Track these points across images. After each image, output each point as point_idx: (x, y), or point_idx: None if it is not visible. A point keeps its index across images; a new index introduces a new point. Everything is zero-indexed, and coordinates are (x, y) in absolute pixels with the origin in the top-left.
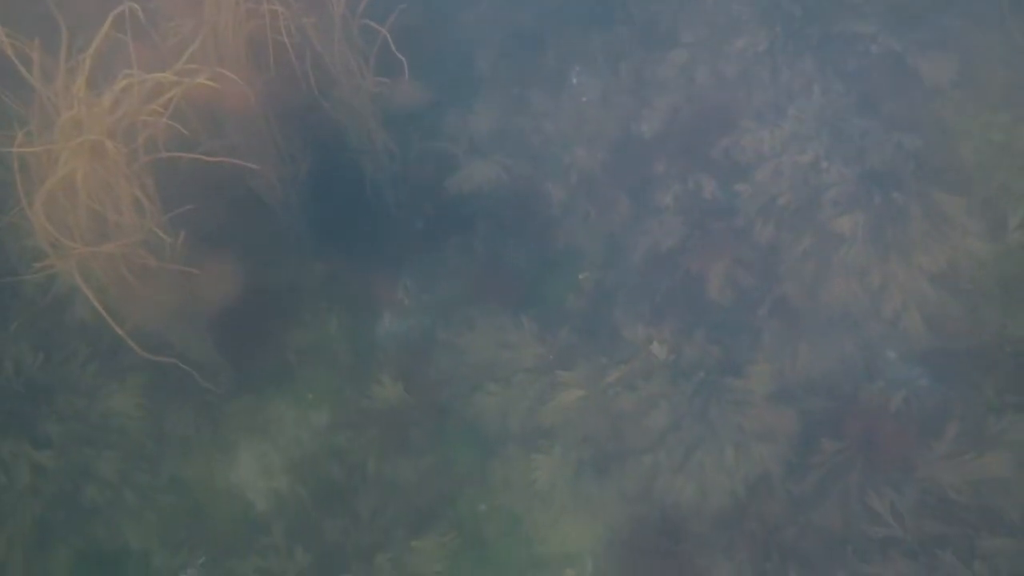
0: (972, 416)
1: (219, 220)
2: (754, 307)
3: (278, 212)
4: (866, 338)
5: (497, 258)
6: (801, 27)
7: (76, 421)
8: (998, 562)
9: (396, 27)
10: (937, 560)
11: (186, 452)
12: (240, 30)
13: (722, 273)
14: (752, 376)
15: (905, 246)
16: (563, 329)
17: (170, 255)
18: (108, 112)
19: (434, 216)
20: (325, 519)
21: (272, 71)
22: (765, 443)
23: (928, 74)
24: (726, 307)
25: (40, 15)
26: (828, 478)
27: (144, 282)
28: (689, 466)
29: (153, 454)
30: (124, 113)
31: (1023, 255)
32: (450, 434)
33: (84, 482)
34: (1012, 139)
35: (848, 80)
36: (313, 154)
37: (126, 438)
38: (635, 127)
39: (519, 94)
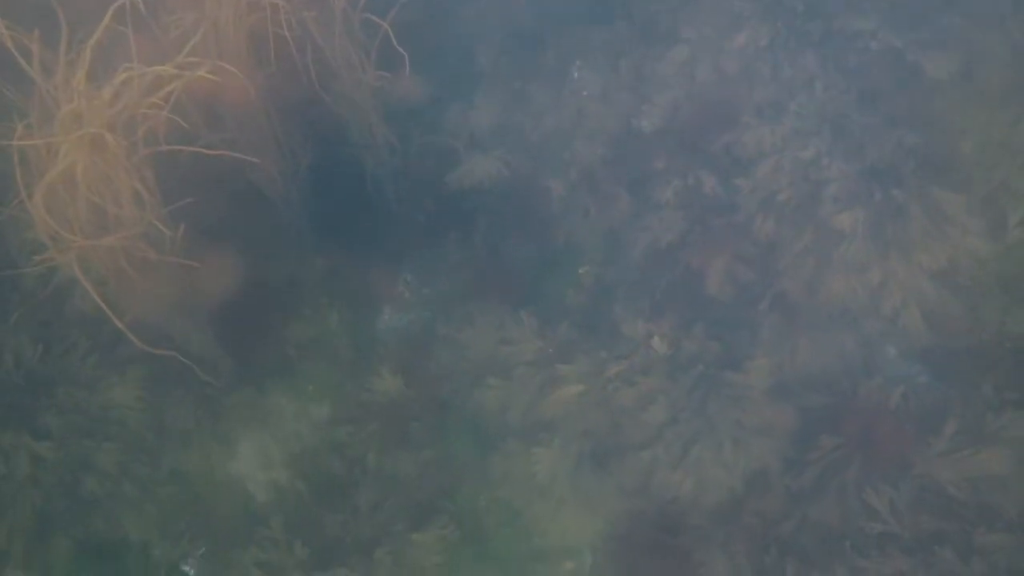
0: (971, 413)
1: (219, 214)
2: (753, 303)
3: (279, 206)
4: (865, 335)
5: (497, 253)
6: (802, 23)
7: (76, 413)
8: (996, 558)
9: (397, 22)
10: (935, 556)
11: (186, 444)
12: (241, 24)
13: (722, 269)
14: (751, 372)
15: (905, 243)
16: (563, 324)
17: (170, 248)
18: (108, 105)
19: (434, 211)
20: (325, 512)
21: (273, 65)
22: (763, 438)
23: (929, 72)
24: (725, 303)
25: (40, 8)
26: (826, 474)
27: (144, 275)
28: (687, 461)
29: (153, 446)
30: (124, 106)
31: (1023, 253)
32: (450, 428)
33: (84, 474)
34: (1012, 137)
35: (849, 77)
36: (314, 148)
37: (126, 430)
38: (635, 123)
39: (520, 89)
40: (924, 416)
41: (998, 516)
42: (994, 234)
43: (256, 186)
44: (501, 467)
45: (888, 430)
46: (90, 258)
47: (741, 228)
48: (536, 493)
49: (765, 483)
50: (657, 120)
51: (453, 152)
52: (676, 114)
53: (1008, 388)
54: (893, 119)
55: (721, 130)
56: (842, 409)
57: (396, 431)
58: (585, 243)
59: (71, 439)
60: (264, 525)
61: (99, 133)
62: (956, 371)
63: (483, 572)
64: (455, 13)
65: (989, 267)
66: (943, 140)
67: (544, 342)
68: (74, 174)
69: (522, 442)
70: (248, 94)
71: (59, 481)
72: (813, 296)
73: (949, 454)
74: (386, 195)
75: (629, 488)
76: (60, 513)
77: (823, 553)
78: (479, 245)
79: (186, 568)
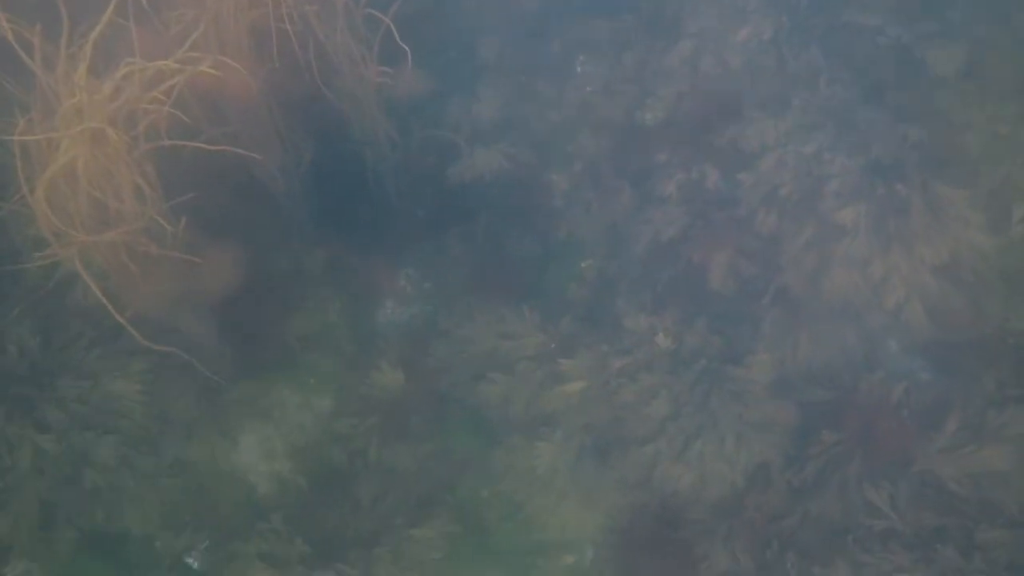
0: (973, 409)
1: (221, 208)
2: (756, 297)
3: (280, 200)
4: (867, 330)
5: (499, 247)
6: (807, 17)
7: (79, 404)
8: (997, 554)
9: (399, 16)
10: (936, 552)
11: (189, 436)
12: (243, 18)
13: (724, 263)
14: (753, 366)
15: (908, 238)
16: (565, 318)
17: (172, 243)
18: (109, 100)
19: (436, 205)
20: (327, 504)
21: (275, 60)
22: (765, 433)
23: (934, 66)
24: (728, 297)
25: (42, 2)
26: (827, 469)
27: (146, 269)
28: (689, 455)
29: (156, 438)
30: (126, 101)
31: None
32: (452, 421)
33: (87, 465)
34: (1017, 132)
35: (854, 71)
36: (316, 143)
37: (129, 422)
38: (639, 116)
39: (523, 83)
40: (926, 411)
41: (999, 512)
42: (997, 229)
43: (258, 181)
44: (502, 461)
45: (889, 425)
46: (92, 253)
47: (743, 222)
48: (537, 487)
49: (767, 478)
50: (660, 113)
51: (455, 146)
52: (679, 107)
53: (1010, 383)
54: (897, 113)
55: (724, 124)
56: (844, 404)
57: (397, 424)
58: (587, 237)
59: (75, 431)
60: (267, 517)
61: (100, 128)
62: (958, 366)
63: (484, 565)
64: (458, 6)
65: (992, 262)
66: (947, 135)
67: (546, 336)
68: (75, 169)
69: (524, 436)
70: (250, 89)
71: (63, 473)
72: (815, 291)
73: (950, 450)
74: (387, 189)
75: (631, 482)
76: (65, 504)
77: (824, 548)
78: (481, 239)
79: (190, 560)
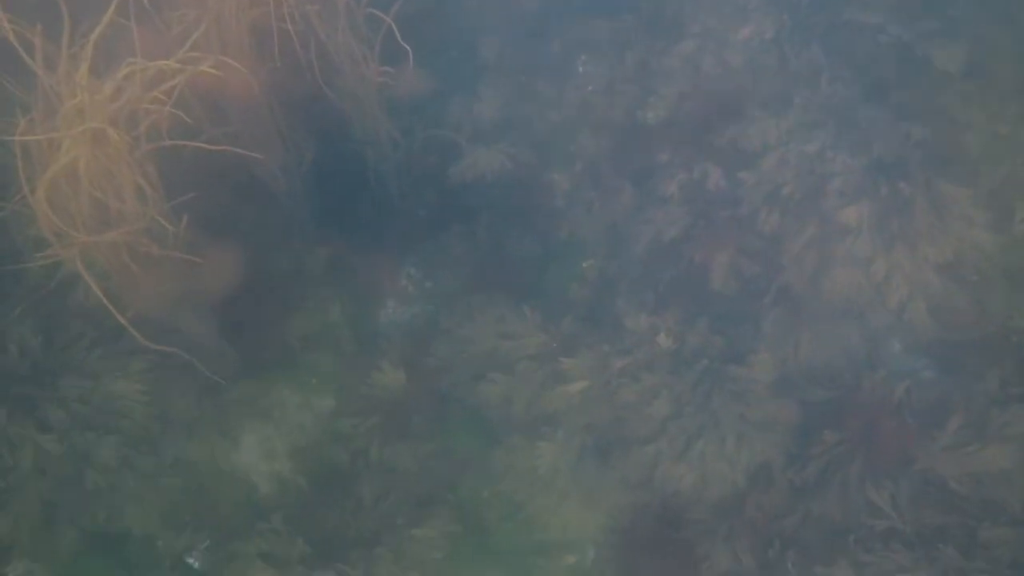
0: (976, 408)
1: (223, 208)
2: (758, 297)
3: (282, 200)
4: (870, 329)
5: (501, 247)
6: (808, 15)
7: (81, 405)
8: (999, 553)
9: (401, 15)
10: (938, 552)
11: (190, 436)
12: (244, 18)
13: (726, 263)
14: (755, 366)
15: (910, 236)
16: (567, 318)
17: (173, 243)
18: (111, 100)
19: (438, 204)
20: (329, 504)
21: (276, 60)
22: (767, 433)
23: (936, 65)
24: (729, 297)
25: (43, 1)
26: (829, 469)
27: (147, 269)
28: (690, 455)
29: (157, 438)
30: (127, 101)
31: None
32: (453, 421)
33: (88, 465)
34: (1019, 131)
35: (855, 69)
36: (317, 143)
37: (130, 422)
38: (641, 116)
39: (525, 83)
40: (928, 411)
41: (1002, 511)
42: (1000, 227)
43: (259, 180)
44: (503, 461)
45: (892, 425)
46: (93, 253)
47: (745, 222)
48: (538, 487)
49: (768, 477)
50: (662, 112)
51: (456, 146)
52: (681, 107)
53: (1013, 382)
54: (899, 112)
55: (726, 123)
56: (846, 403)
57: (399, 424)
58: (589, 236)
59: (76, 430)
60: (268, 517)
61: (102, 128)
62: (961, 365)
63: (485, 565)
64: (459, 6)
65: (995, 260)
66: (949, 134)
67: (547, 336)
68: (77, 169)
69: (524, 436)
70: (251, 89)
71: (65, 473)
72: (817, 290)
73: (953, 449)
74: (389, 189)
75: (632, 482)
76: (66, 504)
77: (826, 547)
78: (482, 239)
79: (191, 560)
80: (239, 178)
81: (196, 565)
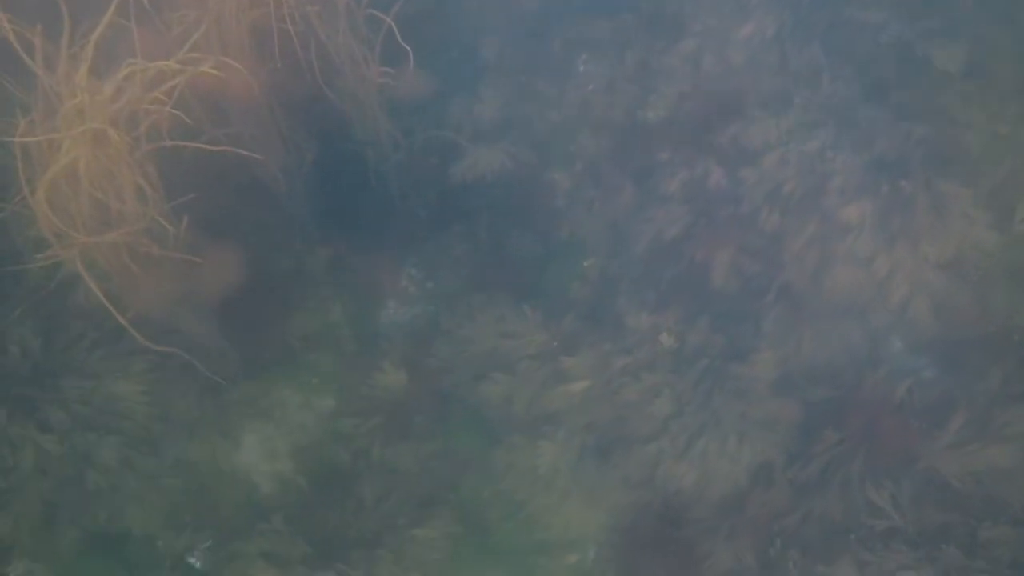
0: (977, 407)
1: (223, 209)
2: (759, 295)
3: (283, 201)
4: (871, 327)
5: (502, 246)
6: (809, 14)
7: (81, 405)
8: (1000, 552)
9: (401, 16)
10: (939, 550)
11: (190, 436)
12: (244, 18)
13: (727, 261)
14: (756, 364)
15: (912, 235)
16: (568, 317)
17: (173, 243)
18: (111, 100)
19: (438, 205)
20: (329, 505)
21: (276, 60)
22: (768, 431)
23: (937, 64)
24: (730, 295)
25: (43, 2)
26: (831, 467)
27: (148, 270)
28: (692, 453)
29: (158, 438)
30: (127, 101)
31: None
32: (454, 421)
33: (89, 466)
34: (1020, 130)
35: (856, 68)
36: (318, 143)
37: (131, 422)
38: (641, 115)
39: (525, 83)
40: (930, 409)
41: (1003, 509)
42: (1001, 226)
43: (260, 181)
44: (504, 460)
45: (893, 424)
46: (93, 254)
47: (746, 220)
48: (539, 486)
49: (770, 476)
50: (663, 111)
51: (457, 146)
52: (682, 106)
53: (1015, 381)
54: (899, 111)
55: (727, 122)
56: (847, 402)
57: (400, 424)
58: (589, 236)
59: (77, 431)
60: (269, 517)
61: (102, 128)
62: (963, 364)
63: (486, 565)
64: (459, 6)
65: (996, 259)
66: (949, 133)
67: (548, 335)
68: (77, 170)
69: (525, 435)
70: (252, 90)
71: (65, 473)
72: (819, 288)
73: (955, 448)
74: (390, 189)
75: (633, 481)
76: (67, 504)
77: (828, 546)
78: (483, 239)
79: (192, 560)
80: (240, 179)
81: (198, 565)
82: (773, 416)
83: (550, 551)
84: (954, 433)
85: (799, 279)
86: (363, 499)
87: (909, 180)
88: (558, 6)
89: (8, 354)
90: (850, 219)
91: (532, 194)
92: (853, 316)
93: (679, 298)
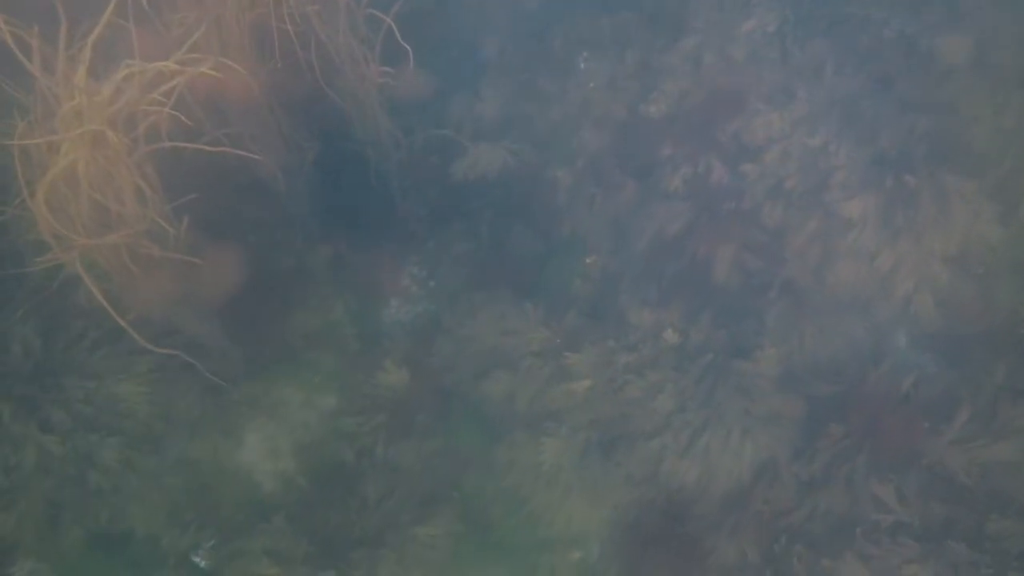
0: (982, 401)
1: (224, 209)
2: (761, 291)
3: (284, 200)
4: (875, 322)
5: (503, 244)
6: (811, 9)
7: (84, 405)
8: (1007, 544)
9: (401, 15)
10: (945, 544)
11: (192, 435)
12: (244, 19)
13: (729, 257)
14: (759, 360)
15: (916, 229)
16: (570, 314)
17: (174, 244)
18: (109, 102)
19: (439, 203)
20: (331, 503)
21: (276, 60)
22: (772, 427)
23: (941, 57)
24: (733, 291)
25: (40, 3)
26: (835, 462)
27: (148, 271)
28: (695, 449)
29: (160, 437)
30: (126, 103)
31: None
32: (457, 419)
33: (91, 466)
34: (1022, 124)
35: (859, 62)
36: (318, 143)
37: (133, 422)
38: (643, 111)
39: (526, 81)
40: (935, 404)
41: (1009, 503)
42: (1006, 220)
43: (261, 181)
44: (507, 457)
45: (898, 418)
46: (94, 255)
47: (748, 215)
48: (542, 483)
49: (774, 471)
50: (664, 108)
51: (458, 144)
52: (683, 101)
53: (1020, 375)
54: (903, 105)
55: (729, 117)
56: (851, 397)
57: (402, 423)
58: (591, 233)
59: (79, 431)
60: (272, 515)
61: (101, 130)
62: (968, 358)
63: (489, 562)
64: (459, 5)
65: (1001, 253)
66: (954, 126)
67: (551, 332)
68: (76, 171)
69: (528, 432)
70: (252, 90)
71: (68, 472)
72: (822, 283)
73: (960, 442)
74: (391, 188)
75: (637, 477)
76: (70, 504)
77: (833, 541)
78: (485, 237)
79: (196, 559)
80: (240, 179)
81: (202, 564)
82: (777, 411)
83: (553, 548)
84: (959, 427)
85: (802, 274)
86: (365, 497)
87: (913, 174)
88: (559, 4)
89: (10, 354)
90: (853, 214)
91: (533, 192)
92: (857, 311)
93: (681, 294)
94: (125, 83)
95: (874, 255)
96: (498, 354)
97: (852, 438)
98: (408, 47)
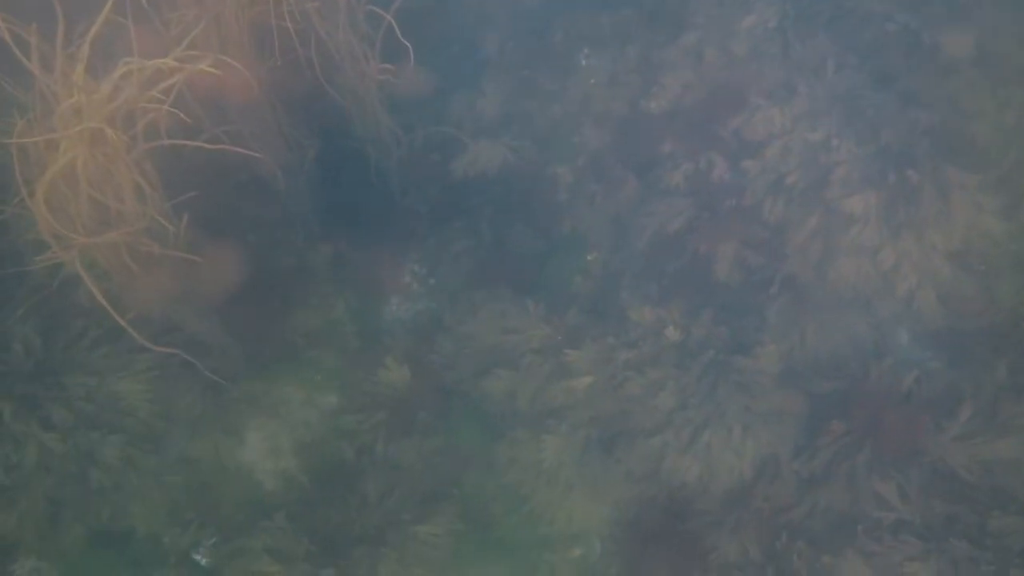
0: (985, 397)
1: (224, 207)
2: (763, 287)
3: (284, 198)
4: (877, 318)
5: (504, 242)
6: (812, 3)
7: (85, 403)
8: (1010, 541)
9: (401, 12)
10: (948, 541)
11: (193, 433)
12: (243, 16)
13: (730, 254)
14: (760, 357)
15: (918, 224)
16: (571, 311)
17: (174, 242)
18: (108, 99)
19: (440, 200)
20: (332, 501)
21: (276, 57)
22: (773, 424)
23: (944, 51)
24: (734, 288)
25: (38, 0)
26: (836, 459)
27: (148, 269)
28: (696, 446)
29: (161, 435)
30: (125, 100)
31: None
32: (458, 417)
33: (92, 463)
34: None
35: (861, 57)
36: (318, 140)
37: (134, 420)
38: (644, 107)
39: (527, 77)
40: (937, 400)
41: (1012, 499)
42: (1009, 215)
43: (260, 179)
44: (507, 455)
45: (900, 415)
46: (93, 254)
47: (749, 212)
48: (543, 480)
49: (775, 468)
50: (665, 104)
51: (459, 141)
52: (684, 98)
53: (1023, 371)
54: (906, 100)
55: (730, 113)
56: (853, 394)
57: (404, 421)
58: (592, 230)
59: (80, 429)
60: (273, 513)
61: (99, 128)
62: (970, 354)
63: (490, 560)
64: (459, 2)
65: (1004, 248)
66: (957, 121)
67: (552, 329)
68: (75, 170)
69: (529, 430)
70: (251, 87)
71: (69, 470)
72: (823, 280)
73: (962, 439)
74: (391, 186)
75: (638, 474)
76: (71, 502)
77: (834, 538)
78: (486, 234)
79: (197, 557)
80: (240, 176)
81: (203, 562)
82: (778, 408)
83: (554, 546)
84: (961, 424)
85: (803, 271)
86: (366, 495)
87: (915, 169)
88: (559, 1)
89: (11, 352)
90: (855, 209)
91: (534, 189)
92: (858, 307)
93: (682, 291)
94: (124, 81)
95: (876, 251)
96: (499, 351)
97: (853, 435)
98: (408, 44)
